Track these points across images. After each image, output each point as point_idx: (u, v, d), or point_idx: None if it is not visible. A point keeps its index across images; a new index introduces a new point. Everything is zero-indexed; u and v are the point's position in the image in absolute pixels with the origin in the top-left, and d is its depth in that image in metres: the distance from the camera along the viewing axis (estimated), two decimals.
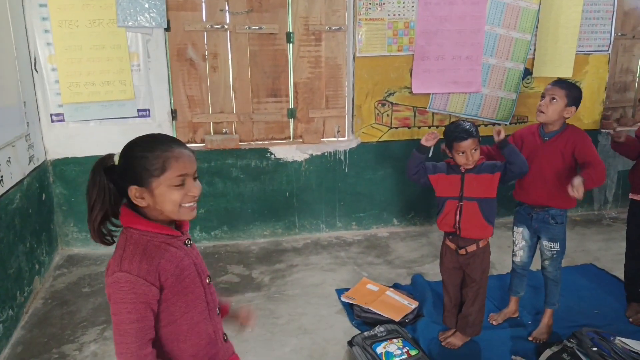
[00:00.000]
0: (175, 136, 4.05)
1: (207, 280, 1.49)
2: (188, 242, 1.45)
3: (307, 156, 4.25)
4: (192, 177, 1.39)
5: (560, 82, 2.74)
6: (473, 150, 2.54)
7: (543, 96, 2.72)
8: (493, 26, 4.27)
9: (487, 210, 2.62)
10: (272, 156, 4.20)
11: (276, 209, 4.31)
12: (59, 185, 3.95)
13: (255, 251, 4.14)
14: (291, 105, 4.27)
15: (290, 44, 4.13)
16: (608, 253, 4.01)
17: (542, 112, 2.70)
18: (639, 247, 3.05)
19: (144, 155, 1.33)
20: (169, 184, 1.33)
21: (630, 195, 3.03)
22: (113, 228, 1.40)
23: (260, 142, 4.27)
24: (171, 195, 1.34)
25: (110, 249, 1.40)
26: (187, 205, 1.37)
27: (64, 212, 3.99)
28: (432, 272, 3.66)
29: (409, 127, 4.38)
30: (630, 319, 3.07)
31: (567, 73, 4.38)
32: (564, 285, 3.01)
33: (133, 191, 1.33)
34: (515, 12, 4.28)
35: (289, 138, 4.34)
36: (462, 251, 2.69)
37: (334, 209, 4.40)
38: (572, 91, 2.68)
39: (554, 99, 2.66)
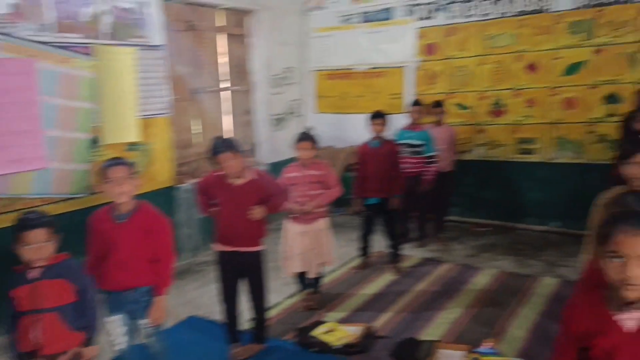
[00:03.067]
0: None
1: None
2: None
3: None
4: None
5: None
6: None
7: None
8: (49, 97, 3.99)
9: None
10: None
11: None
12: None
13: None
14: None
15: None
16: (204, 299, 4.29)
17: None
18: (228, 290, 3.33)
19: None
20: None
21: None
22: None
23: None
24: None
25: None
26: None
27: None
28: None
29: None
30: (238, 356, 3.29)
31: (134, 137, 4.53)
32: (174, 347, 3.02)
33: None
34: (70, 81, 4.12)
35: None
36: None
37: None
38: None
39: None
